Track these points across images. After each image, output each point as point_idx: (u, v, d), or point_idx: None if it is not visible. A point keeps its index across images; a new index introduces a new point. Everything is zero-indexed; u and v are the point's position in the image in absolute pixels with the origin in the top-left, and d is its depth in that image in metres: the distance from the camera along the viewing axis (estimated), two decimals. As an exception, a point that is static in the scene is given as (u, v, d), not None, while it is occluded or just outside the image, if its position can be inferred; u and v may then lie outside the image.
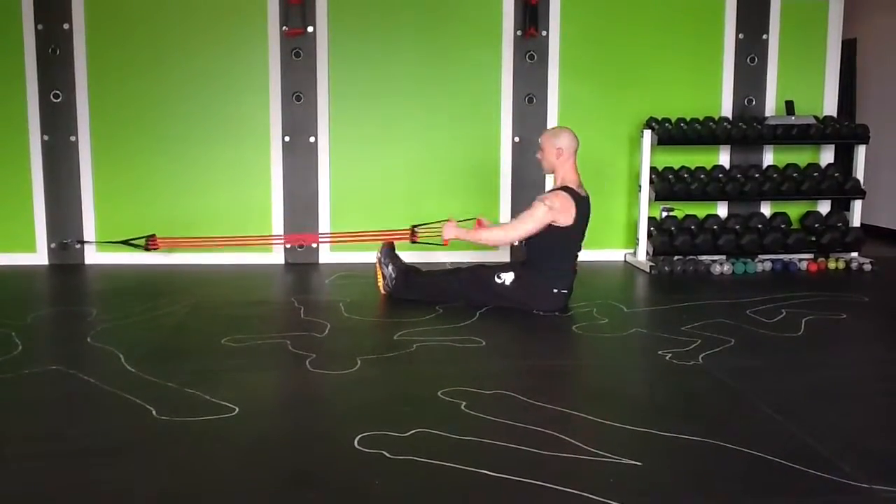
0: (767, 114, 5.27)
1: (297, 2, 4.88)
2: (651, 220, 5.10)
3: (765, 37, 5.24)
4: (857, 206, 5.24)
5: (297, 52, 4.97)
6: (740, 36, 5.22)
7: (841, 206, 5.36)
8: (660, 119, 5.08)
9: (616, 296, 4.23)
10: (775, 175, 5.14)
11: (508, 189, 5.16)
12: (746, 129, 5.05)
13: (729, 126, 5.06)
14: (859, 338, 3.55)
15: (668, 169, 5.16)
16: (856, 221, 5.22)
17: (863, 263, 4.98)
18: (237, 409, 2.43)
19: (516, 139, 5.15)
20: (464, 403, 2.48)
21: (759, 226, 5.09)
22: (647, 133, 5.02)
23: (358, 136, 5.10)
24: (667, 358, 3.02)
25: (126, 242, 4.92)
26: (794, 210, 5.27)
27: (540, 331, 3.53)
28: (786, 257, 5.04)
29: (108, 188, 5.01)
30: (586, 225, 3.86)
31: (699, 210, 5.18)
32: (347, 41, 5.02)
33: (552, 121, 5.15)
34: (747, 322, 3.59)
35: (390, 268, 4.03)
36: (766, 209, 5.31)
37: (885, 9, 6.62)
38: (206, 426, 2.32)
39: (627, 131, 5.24)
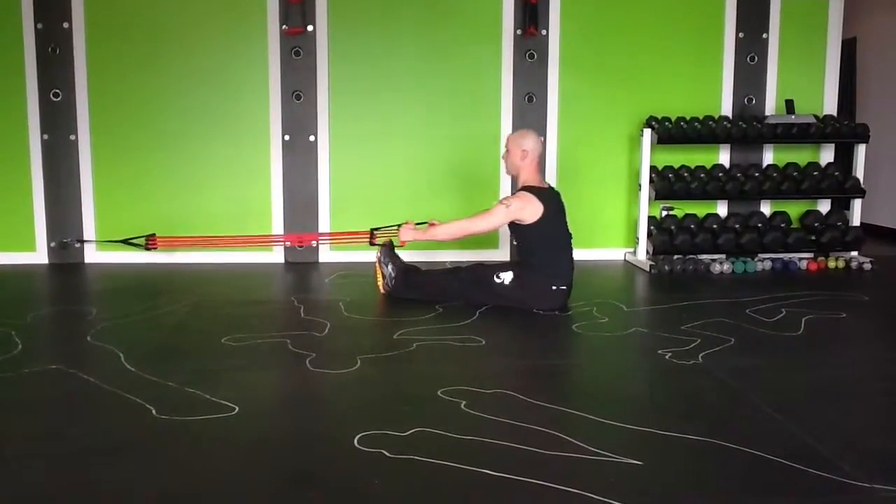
0: (767, 113, 5.27)
1: (297, 1, 4.88)
2: (651, 219, 5.10)
3: (765, 36, 5.23)
4: (857, 205, 5.24)
5: (297, 50, 4.97)
6: (740, 35, 5.22)
7: (841, 206, 5.36)
8: (660, 118, 5.08)
9: (616, 295, 4.23)
10: (775, 174, 5.14)
11: (508, 187, 5.15)
12: (746, 128, 5.05)
13: (729, 125, 5.06)
14: (859, 337, 3.55)
15: (668, 168, 5.16)
16: (856, 220, 5.22)
17: (863, 262, 4.98)
18: (237, 409, 2.43)
19: (516, 138, 5.14)
20: (464, 403, 2.48)
21: (759, 225, 5.09)
22: (647, 132, 5.02)
23: (358, 134, 5.10)
24: (667, 357, 3.02)
25: (126, 242, 4.92)
26: (794, 209, 5.27)
27: (540, 330, 3.53)
28: (786, 256, 5.04)
29: (107, 187, 5.01)
30: (563, 214, 3.94)
31: (699, 209, 5.18)
32: (347, 40, 5.02)
33: (552, 119, 5.16)
34: (747, 321, 3.59)
35: (390, 267, 4.03)
36: (766, 208, 5.31)
37: (885, 8, 6.62)
38: (206, 425, 2.31)
39: (627, 130, 5.24)
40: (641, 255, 5.09)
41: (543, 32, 5.10)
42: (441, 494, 1.90)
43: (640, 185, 5.11)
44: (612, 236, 5.32)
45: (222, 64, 4.98)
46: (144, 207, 5.02)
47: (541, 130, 5.16)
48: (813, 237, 5.06)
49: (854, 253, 5.15)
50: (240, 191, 5.07)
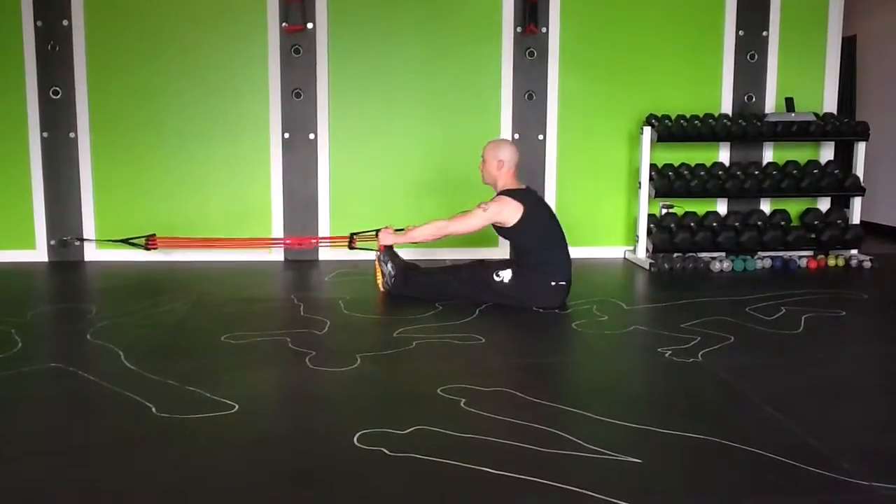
0: (767, 111, 5.27)
1: (297, -1, 4.88)
2: (651, 217, 5.10)
3: (765, 33, 5.23)
4: (857, 203, 5.24)
5: (297, 48, 4.97)
6: (740, 33, 5.22)
7: (841, 203, 5.36)
8: (660, 116, 5.08)
9: (616, 293, 4.23)
10: (775, 172, 5.14)
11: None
12: (746, 126, 5.05)
13: (729, 123, 5.05)
14: (859, 335, 3.55)
15: (668, 166, 5.16)
16: (855, 218, 5.22)
17: (862, 260, 4.98)
18: (237, 407, 2.43)
19: (516, 136, 5.14)
20: (463, 400, 2.48)
21: (759, 223, 5.09)
22: (647, 130, 5.02)
23: (358, 132, 5.10)
24: (666, 355, 3.02)
25: (126, 241, 4.92)
26: (794, 207, 5.27)
27: (539, 328, 3.53)
28: (785, 254, 5.04)
29: (107, 185, 5.00)
30: (547, 208, 4.00)
31: (699, 207, 5.17)
32: (347, 38, 5.02)
33: (552, 117, 5.15)
34: (747, 319, 3.59)
35: (390, 265, 4.03)
36: (766, 206, 5.31)
37: (884, 6, 6.61)
38: (206, 424, 2.31)
39: (627, 128, 5.24)
40: (641, 253, 5.09)
41: (543, 30, 5.10)
42: (441, 492, 1.90)
43: (639, 183, 5.10)
44: (611, 234, 5.32)
45: (222, 62, 4.98)
46: (144, 205, 5.02)
47: (541, 128, 5.17)
48: (813, 235, 5.06)
49: (854, 251, 5.15)
50: (240, 189, 5.06)
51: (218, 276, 4.63)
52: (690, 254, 5.00)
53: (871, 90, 6.79)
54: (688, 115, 5.09)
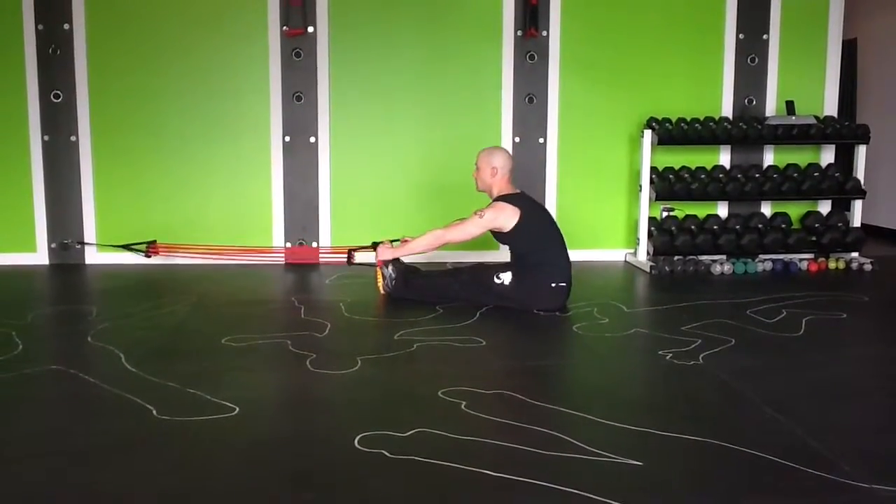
0: (768, 114, 5.27)
1: (298, 3, 4.88)
2: (651, 220, 5.10)
3: (765, 37, 5.23)
4: (858, 206, 5.24)
5: (298, 52, 4.98)
6: (741, 36, 5.22)
7: (841, 206, 5.36)
8: (660, 119, 5.08)
9: (616, 296, 4.23)
10: (776, 175, 5.14)
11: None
12: (747, 129, 5.05)
13: (729, 126, 5.06)
14: (859, 337, 3.55)
15: (669, 169, 5.16)
16: (856, 221, 5.22)
17: (863, 263, 4.98)
18: (237, 409, 2.43)
19: (517, 139, 5.15)
20: (464, 403, 2.48)
21: (760, 226, 5.09)
22: (648, 133, 5.02)
23: (358, 135, 5.10)
24: (667, 358, 3.02)
25: (126, 247, 4.93)
26: (795, 210, 5.27)
27: (540, 330, 3.53)
28: (786, 257, 5.04)
29: (108, 188, 5.01)
30: (544, 211, 4.04)
31: (699, 210, 5.17)
32: (348, 41, 5.02)
33: (553, 120, 5.16)
34: (748, 322, 3.59)
35: (390, 268, 4.03)
36: (767, 209, 5.31)
37: (885, 8, 6.62)
38: (207, 426, 2.32)
39: (628, 131, 5.24)
40: (642, 255, 5.09)
41: (544, 33, 5.10)
42: (441, 495, 1.90)
43: (640, 186, 5.11)
44: (612, 237, 5.32)
45: (223, 65, 4.99)
46: (145, 208, 5.03)
47: (541, 131, 5.17)
48: (813, 238, 5.06)
49: (854, 254, 5.14)
50: (240, 192, 5.07)
51: (218, 278, 4.63)
52: (691, 256, 5.00)
53: (872, 93, 6.79)
54: (688, 118, 5.10)
